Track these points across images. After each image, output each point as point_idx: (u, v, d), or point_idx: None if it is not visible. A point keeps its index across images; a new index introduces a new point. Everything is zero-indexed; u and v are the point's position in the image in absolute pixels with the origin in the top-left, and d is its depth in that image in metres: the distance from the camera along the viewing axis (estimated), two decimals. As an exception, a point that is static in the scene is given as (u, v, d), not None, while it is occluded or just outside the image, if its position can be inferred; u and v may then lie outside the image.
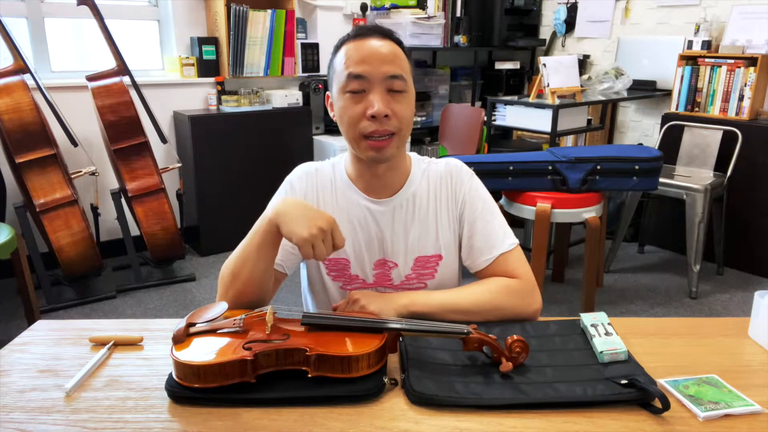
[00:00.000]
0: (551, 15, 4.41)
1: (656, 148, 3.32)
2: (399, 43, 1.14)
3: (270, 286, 1.11)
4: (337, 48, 1.14)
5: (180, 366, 0.87)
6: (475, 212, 1.21)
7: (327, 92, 1.19)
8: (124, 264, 3.29)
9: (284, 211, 1.01)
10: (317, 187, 1.22)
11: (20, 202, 2.79)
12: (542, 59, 3.23)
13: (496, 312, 1.11)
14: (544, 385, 0.89)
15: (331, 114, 1.18)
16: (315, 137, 3.80)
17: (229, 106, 3.53)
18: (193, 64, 3.52)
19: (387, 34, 1.12)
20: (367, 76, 1.08)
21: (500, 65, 4.42)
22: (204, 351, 0.89)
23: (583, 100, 3.34)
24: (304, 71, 3.85)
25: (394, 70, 1.09)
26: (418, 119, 4.21)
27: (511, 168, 2.57)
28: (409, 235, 1.20)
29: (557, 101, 3.16)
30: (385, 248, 1.20)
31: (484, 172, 2.54)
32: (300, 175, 1.23)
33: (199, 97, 3.60)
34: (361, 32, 1.12)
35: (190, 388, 0.86)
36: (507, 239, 1.19)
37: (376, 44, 1.09)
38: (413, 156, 1.25)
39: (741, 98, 3.29)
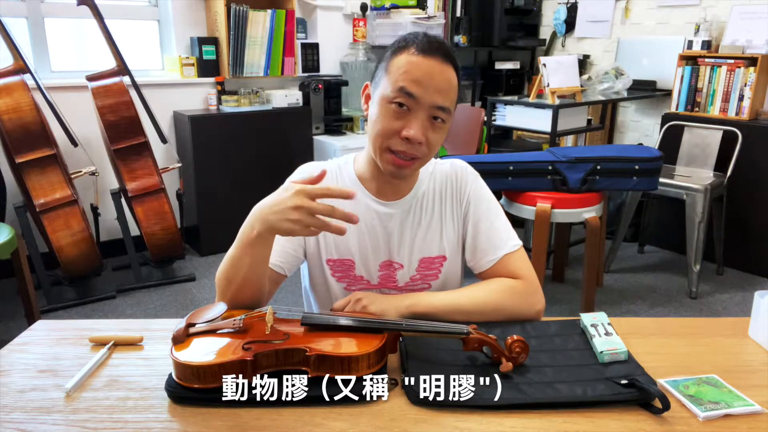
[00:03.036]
0: (551, 15, 4.41)
1: (656, 148, 3.32)
2: (457, 69, 1.11)
3: (266, 285, 1.10)
4: (400, 49, 1.10)
5: (180, 366, 0.87)
6: (479, 213, 1.21)
7: (367, 82, 1.17)
8: (124, 264, 3.28)
9: (259, 216, 0.97)
10: None
11: (20, 202, 2.78)
12: (542, 59, 3.22)
13: (500, 312, 1.11)
14: (544, 385, 0.89)
15: (363, 106, 1.17)
16: (315, 137, 3.80)
17: (229, 106, 3.52)
18: (193, 64, 3.52)
19: (451, 58, 1.09)
20: (418, 98, 1.06)
21: (500, 65, 4.42)
22: (204, 351, 0.89)
23: (583, 100, 3.34)
24: (304, 71, 3.84)
25: (443, 102, 1.07)
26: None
27: (511, 168, 2.57)
28: (415, 236, 1.21)
29: (557, 101, 3.16)
30: (391, 250, 1.20)
31: (484, 172, 2.50)
32: (303, 176, 1.23)
33: (199, 97, 3.60)
34: (428, 49, 1.07)
35: (190, 389, 0.86)
36: (511, 240, 1.19)
37: (438, 68, 1.07)
38: None
39: (741, 98, 3.29)
